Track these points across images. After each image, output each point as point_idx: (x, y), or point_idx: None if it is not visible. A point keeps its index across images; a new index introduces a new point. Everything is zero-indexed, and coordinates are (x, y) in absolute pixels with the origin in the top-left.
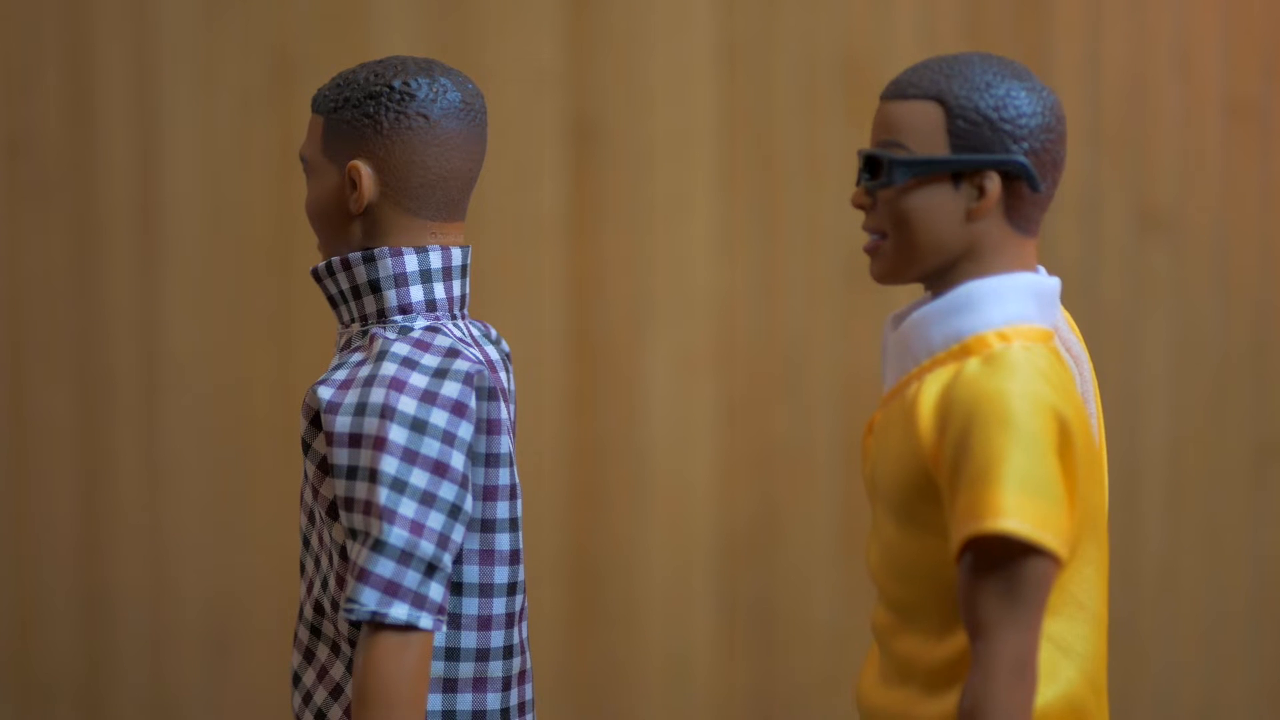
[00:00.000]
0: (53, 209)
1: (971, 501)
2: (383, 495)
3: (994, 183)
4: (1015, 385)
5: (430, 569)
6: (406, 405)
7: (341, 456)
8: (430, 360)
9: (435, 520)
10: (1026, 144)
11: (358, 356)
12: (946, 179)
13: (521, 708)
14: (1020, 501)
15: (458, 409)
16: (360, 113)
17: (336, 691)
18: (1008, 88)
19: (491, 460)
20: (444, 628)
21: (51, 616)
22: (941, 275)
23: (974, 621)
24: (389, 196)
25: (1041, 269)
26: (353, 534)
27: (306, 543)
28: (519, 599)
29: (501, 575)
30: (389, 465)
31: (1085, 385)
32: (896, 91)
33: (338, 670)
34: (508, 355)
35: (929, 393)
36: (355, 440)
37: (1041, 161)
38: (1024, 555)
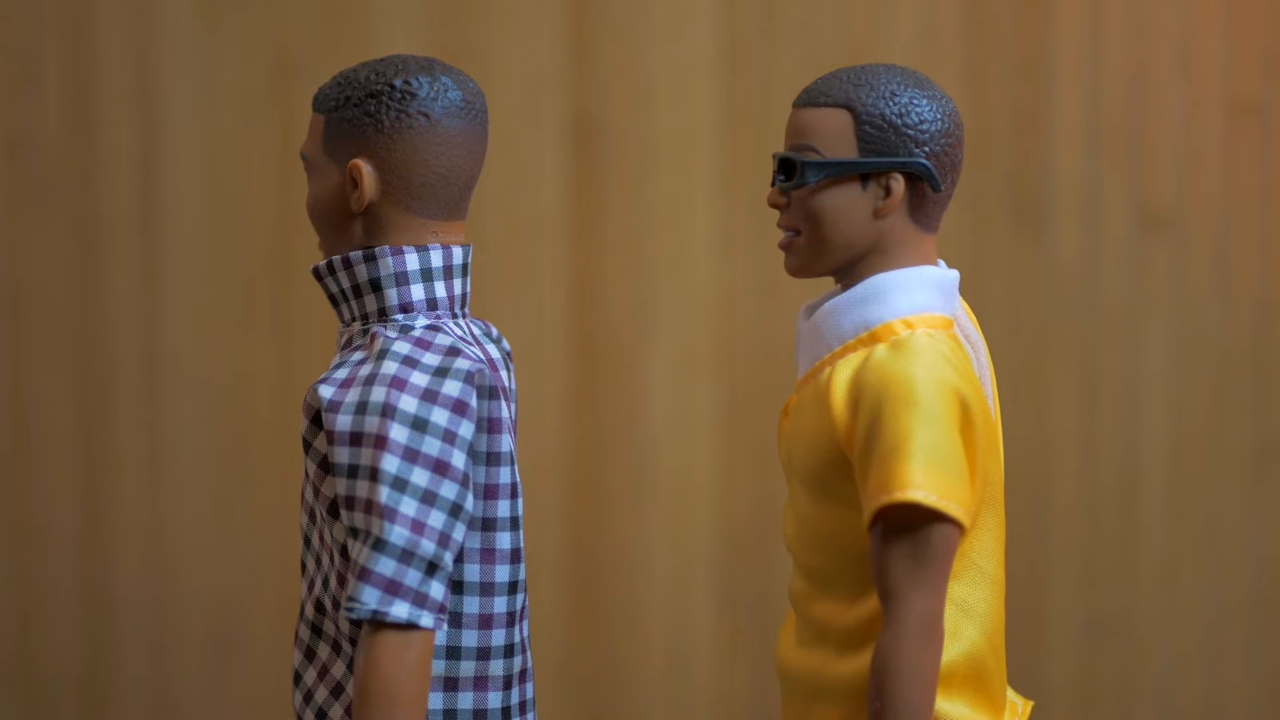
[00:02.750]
0: (53, 209)
1: (883, 475)
2: (384, 494)
3: (899, 183)
4: (920, 369)
5: (431, 568)
6: (407, 404)
7: (342, 455)
8: (431, 359)
9: (436, 519)
10: (928, 148)
11: (359, 355)
12: (855, 180)
13: (522, 706)
14: (927, 475)
15: (458, 407)
16: (361, 111)
17: (338, 690)
18: (910, 96)
19: (492, 459)
20: (445, 626)
21: (53, 614)
22: (851, 269)
23: (884, 585)
24: (390, 195)
25: (941, 262)
26: (354, 532)
27: (307, 541)
28: (520, 597)
29: (502, 574)
30: (390, 464)
31: (982, 368)
32: (809, 99)
33: (339, 669)
34: (508, 354)
35: (841, 377)
36: (356, 439)
37: (942, 164)
38: (930, 523)
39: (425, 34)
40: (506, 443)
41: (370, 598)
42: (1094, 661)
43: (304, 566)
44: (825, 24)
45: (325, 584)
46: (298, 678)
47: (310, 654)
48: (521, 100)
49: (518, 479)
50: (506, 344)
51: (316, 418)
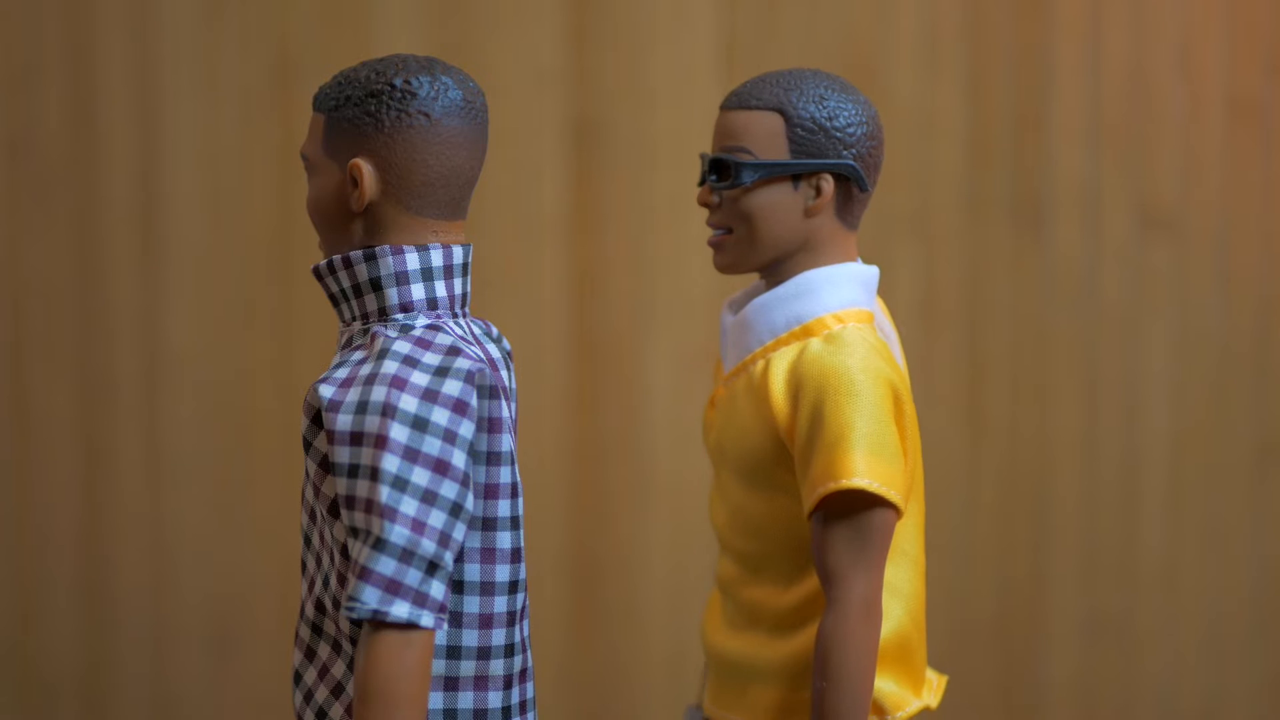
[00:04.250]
0: (54, 207)
1: (828, 463)
2: (384, 494)
3: (828, 184)
4: (856, 360)
5: (431, 567)
6: (408, 403)
7: (343, 455)
8: (431, 358)
9: (436, 519)
10: (855, 150)
11: (359, 355)
12: (787, 180)
13: (523, 706)
14: (869, 462)
15: (459, 407)
16: (362, 111)
17: (338, 690)
18: (838, 100)
19: (493, 458)
20: (445, 626)
21: (53, 613)
22: (779, 266)
23: (827, 568)
24: (390, 195)
25: (859, 259)
26: (354, 532)
27: (308, 541)
28: (520, 597)
29: (503, 573)
30: (390, 463)
31: (897, 359)
32: (739, 103)
33: (339, 669)
34: (509, 353)
35: (778, 369)
36: (356, 438)
37: (867, 165)
38: (870, 508)
39: (425, 34)
40: (507, 442)
41: (370, 597)
42: (1094, 661)
43: (304, 566)
44: (825, 24)
45: (325, 583)
46: (298, 677)
47: (310, 653)
48: (521, 100)
49: (518, 478)
50: (507, 343)
51: (317, 417)
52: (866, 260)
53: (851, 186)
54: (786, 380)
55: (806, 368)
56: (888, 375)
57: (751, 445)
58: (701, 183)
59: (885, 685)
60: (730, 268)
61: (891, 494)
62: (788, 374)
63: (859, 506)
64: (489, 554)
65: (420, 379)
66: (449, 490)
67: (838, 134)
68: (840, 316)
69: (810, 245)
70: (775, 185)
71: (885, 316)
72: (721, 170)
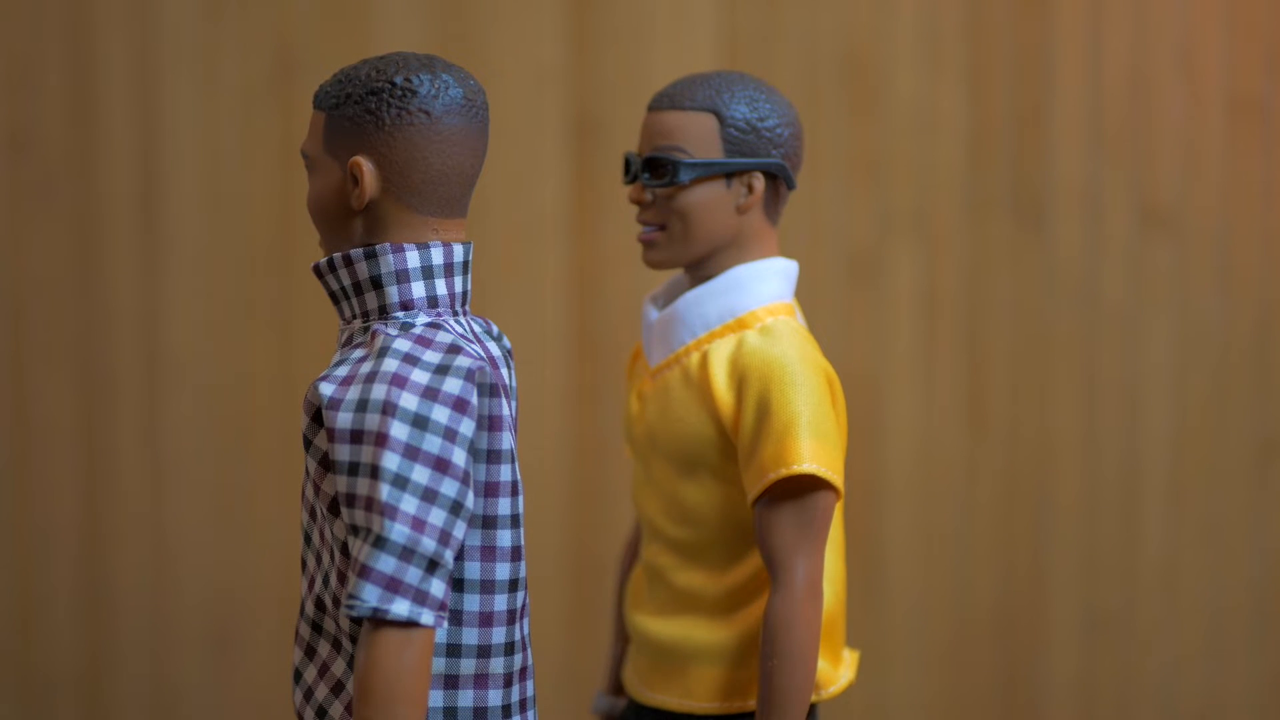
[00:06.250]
0: (55, 206)
1: (777, 450)
2: (384, 492)
3: (760, 182)
4: (794, 351)
5: (432, 565)
6: (408, 401)
7: (343, 453)
8: (432, 357)
9: (437, 517)
10: (783, 149)
11: (359, 353)
12: (721, 178)
13: (523, 704)
14: (814, 448)
15: (459, 405)
16: (362, 109)
17: (338, 688)
18: (767, 102)
19: (493, 456)
20: (445, 624)
21: (53, 612)
22: (707, 261)
23: (773, 551)
24: (391, 193)
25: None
26: (354, 530)
27: (308, 539)
28: (520, 595)
29: (503, 571)
30: (390, 462)
31: None
32: (671, 104)
33: (339, 667)
34: (509, 351)
35: (717, 360)
36: (357, 436)
37: (793, 164)
38: (814, 491)
39: (426, 32)
40: (507, 440)
41: (371, 595)
42: (1094, 659)
43: (304, 564)
44: (825, 24)
45: (325, 581)
46: (298, 675)
47: (311, 652)
48: (522, 98)
49: (518, 477)
50: (507, 341)
51: (317, 415)
52: (870, 258)
53: (780, 184)
54: (728, 372)
55: (748, 359)
56: (822, 364)
57: (690, 435)
58: (631, 181)
59: (819, 663)
60: (662, 264)
61: (835, 478)
62: (728, 365)
63: (804, 490)
64: (489, 552)
65: (421, 377)
66: (449, 488)
67: (768, 134)
68: (772, 309)
69: (739, 241)
70: (709, 183)
71: (798, 309)
72: (657, 169)
